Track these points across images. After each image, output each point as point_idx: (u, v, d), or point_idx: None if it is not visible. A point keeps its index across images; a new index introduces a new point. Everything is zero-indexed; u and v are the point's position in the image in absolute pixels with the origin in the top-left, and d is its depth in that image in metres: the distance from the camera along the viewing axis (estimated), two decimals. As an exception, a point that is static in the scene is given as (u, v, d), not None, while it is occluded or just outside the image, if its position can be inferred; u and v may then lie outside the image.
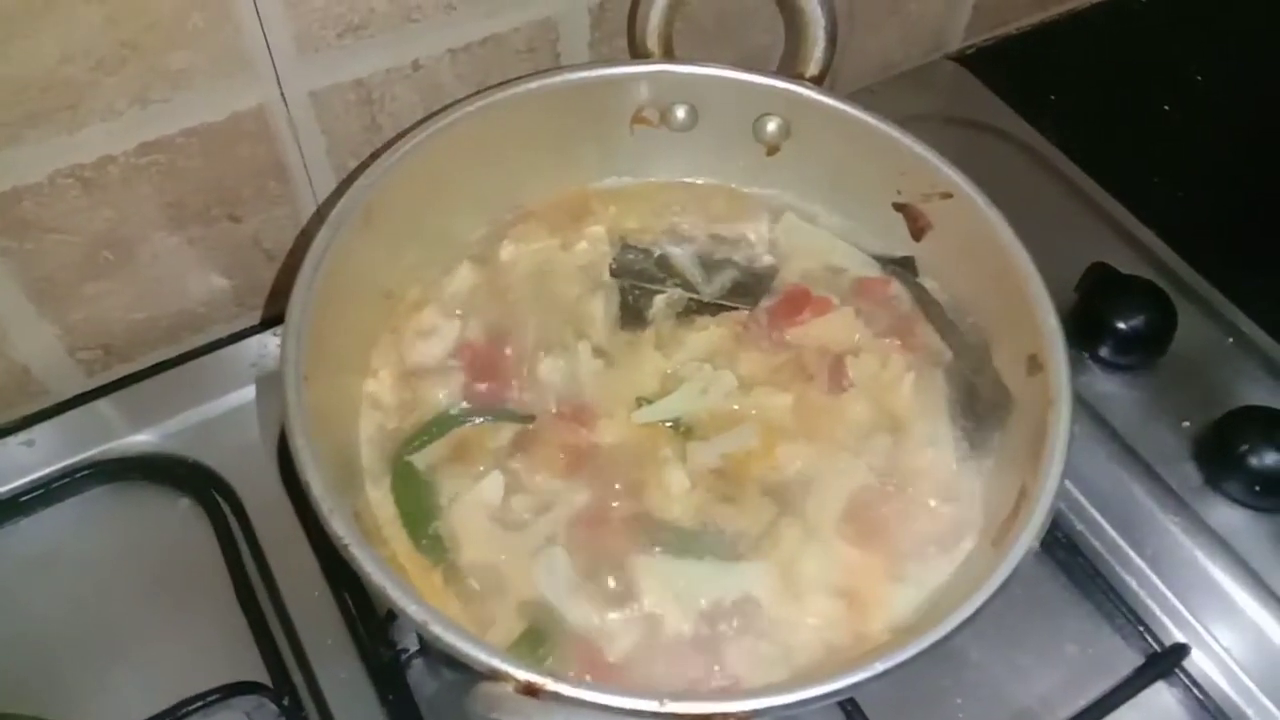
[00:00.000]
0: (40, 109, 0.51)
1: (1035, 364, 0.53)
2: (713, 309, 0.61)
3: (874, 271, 0.62)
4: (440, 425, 0.56)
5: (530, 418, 0.57)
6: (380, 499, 0.54)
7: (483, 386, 0.57)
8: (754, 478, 0.55)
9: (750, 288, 0.62)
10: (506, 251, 0.62)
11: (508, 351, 0.59)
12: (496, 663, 0.43)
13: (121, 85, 0.53)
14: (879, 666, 0.43)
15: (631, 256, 0.63)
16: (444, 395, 0.57)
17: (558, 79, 0.60)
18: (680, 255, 0.63)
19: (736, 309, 0.61)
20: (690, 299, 0.62)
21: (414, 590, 0.46)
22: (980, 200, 0.56)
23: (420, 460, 0.55)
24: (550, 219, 0.63)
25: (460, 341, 0.59)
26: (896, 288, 0.61)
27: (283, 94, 0.57)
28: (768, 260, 0.63)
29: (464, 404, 0.57)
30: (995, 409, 0.56)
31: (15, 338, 0.60)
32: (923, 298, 0.61)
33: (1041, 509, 0.47)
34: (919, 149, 0.58)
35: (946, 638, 0.44)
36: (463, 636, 0.43)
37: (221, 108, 0.56)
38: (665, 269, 0.63)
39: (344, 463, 0.54)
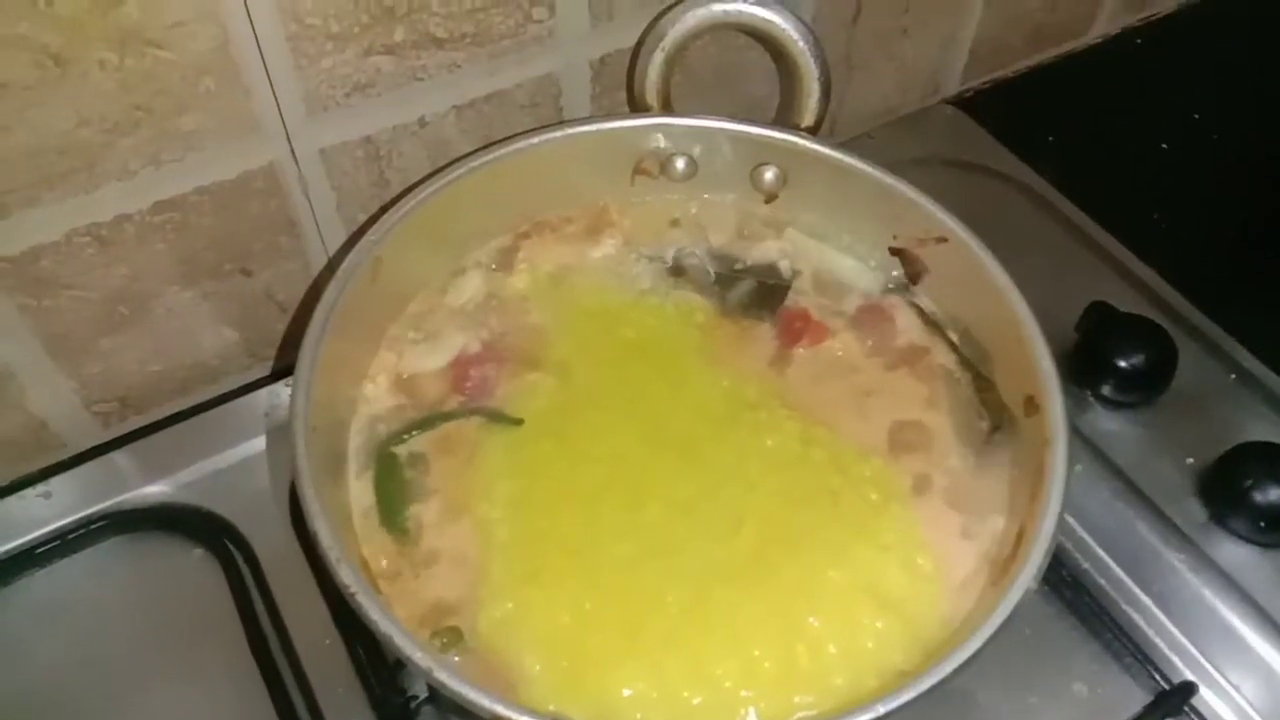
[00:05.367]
0: (57, 171, 0.53)
1: (1033, 405, 0.53)
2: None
3: (878, 287, 0.63)
4: (429, 421, 0.58)
5: (520, 420, 0.58)
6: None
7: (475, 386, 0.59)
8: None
9: (766, 298, 0.63)
10: (518, 261, 0.64)
11: (505, 355, 0.60)
12: (501, 709, 0.43)
13: (136, 147, 0.54)
14: (880, 708, 0.43)
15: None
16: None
17: (559, 134, 0.61)
18: (696, 266, 0.64)
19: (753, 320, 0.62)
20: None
21: (421, 641, 0.46)
22: (975, 245, 0.57)
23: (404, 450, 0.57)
24: (564, 231, 0.65)
25: (463, 348, 0.60)
26: (904, 313, 0.62)
27: (293, 152, 0.59)
28: (783, 272, 0.64)
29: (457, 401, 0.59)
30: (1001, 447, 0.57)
31: (33, 392, 0.61)
32: (929, 322, 0.62)
33: (1039, 550, 0.47)
34: (913, 195, 0.59)
35: (948, 678, 0.45)
36: (469, 685, 0.44)
37: (233, 166, 0.58)
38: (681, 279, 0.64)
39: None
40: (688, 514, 0.54)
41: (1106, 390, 0.66)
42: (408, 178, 0.64)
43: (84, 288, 0.59)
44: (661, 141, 0.63)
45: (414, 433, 0.57)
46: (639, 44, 0.64)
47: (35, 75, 0.49)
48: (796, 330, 0.61)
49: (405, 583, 0.53)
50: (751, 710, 0.49)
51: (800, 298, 0.63)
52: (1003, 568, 0.50)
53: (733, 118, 0.62)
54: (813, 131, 0.63)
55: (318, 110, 0.58)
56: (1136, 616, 0.59)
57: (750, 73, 0.70)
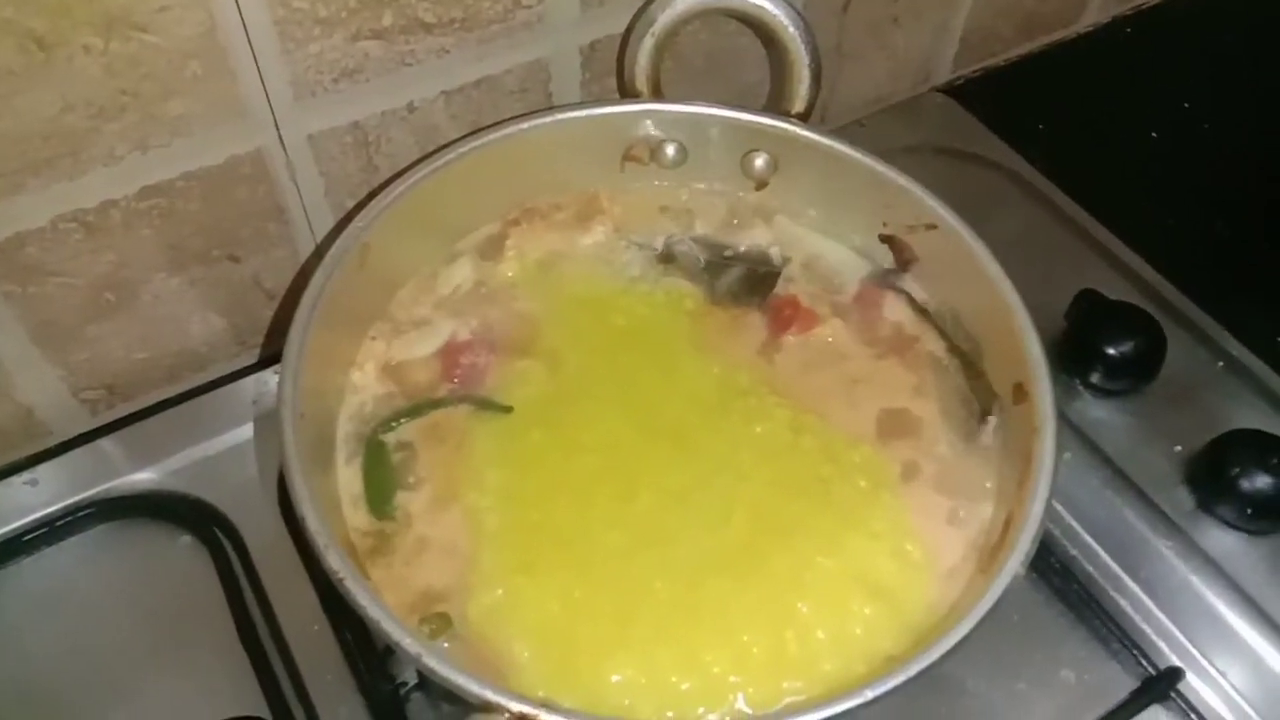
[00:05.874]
0: (42, 157, 0.53)
1: (1021, 393, 0.53)
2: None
3: (868, 275, 0.63)
4: (418, 409, 0.57)
5: (509, 408, 0.57)
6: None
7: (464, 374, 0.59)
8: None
9: (756, 286, 0.63)
10: (507, 249, 0.63)
11: (495, 343, 0.60)
12: (490, 695, 0.43)
13: (122, 132, 0.54)
14: (868, 693, 0.44)
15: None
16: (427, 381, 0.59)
17: (548, 119, 0.61)
18: (686, 253, 0.64)
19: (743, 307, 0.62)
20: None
21: (410, 626, 0.46)
22: (964, 232, 0.57)
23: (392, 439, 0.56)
24: (553, 218, 0.65)
25: (451, 335, 0.60)
26: (893, 300, 0.62)
27: (280, 138, 0.59)
28: (773, 259, 0.64)
29: (446, 389, 0.58)
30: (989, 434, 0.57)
31: (19, 380, 0.61)
32: (919, 309, 0.62)
33: (1027, 536, 0.48)
34: (903, 182, 0.59)
35: (936, 664, 0.45)
36: (459, 671, 0.44)
37: (220, 152, 0.58)
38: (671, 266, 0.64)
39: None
40: (679, 503, 0.54)
41: (1095, 378, 0.66)
42: (396, 164, 0.63)
43: (70, 274, 0.58)
44: (652, 128, 0.63)
45: (402, 420, 0.57)
46: (629, 29, 0.63)
47: (20, 60, 0.49)
48: (786, 318, 0.61)
49: (394, 569, 0.52)
50: (740, 696, 0.49)
51: (790, 285, 0.63)
52: (991, 555, 0.50)
53: (723, 104, 0.62)
54: (803, 118, 0.63)
55: (305, 95, 0.58)
56: (1124, 603, 0.59)
57: (741, 59, 0.70)
